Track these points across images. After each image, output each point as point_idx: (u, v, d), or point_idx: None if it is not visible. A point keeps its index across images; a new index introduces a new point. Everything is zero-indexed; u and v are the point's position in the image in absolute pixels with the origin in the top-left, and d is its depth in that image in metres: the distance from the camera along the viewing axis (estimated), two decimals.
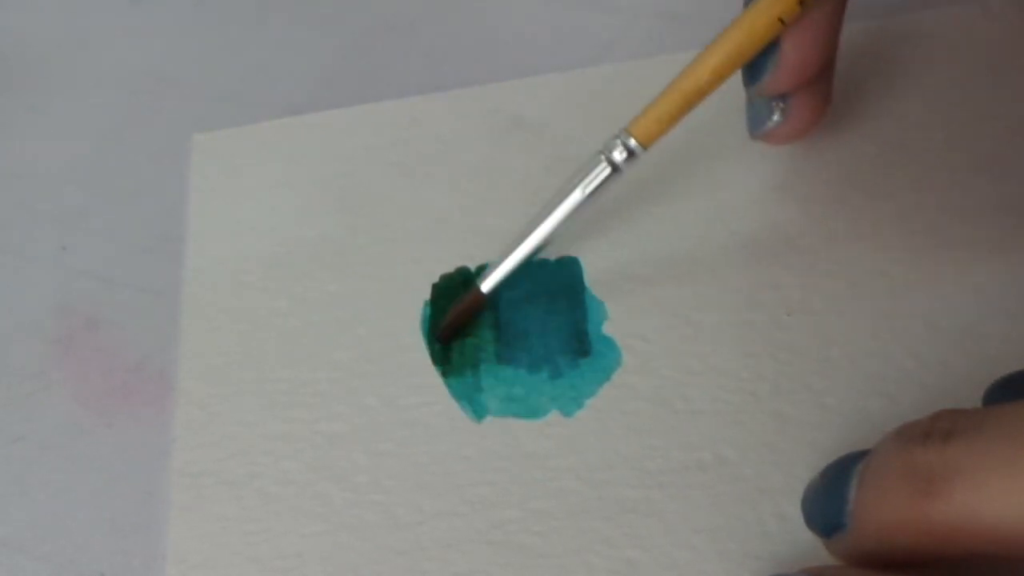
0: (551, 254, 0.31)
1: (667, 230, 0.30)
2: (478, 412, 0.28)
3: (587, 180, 0.28)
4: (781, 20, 0.26)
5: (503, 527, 0.26)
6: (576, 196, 0.28)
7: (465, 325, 0.29)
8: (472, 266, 0.31)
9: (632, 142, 0.28)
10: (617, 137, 0.28)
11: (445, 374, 0.29)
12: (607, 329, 0.29)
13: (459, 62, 0.37)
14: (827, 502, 0.23)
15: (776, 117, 0.28)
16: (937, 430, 0.21)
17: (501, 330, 0.29)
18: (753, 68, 0.28)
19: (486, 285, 0.29)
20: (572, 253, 0.31)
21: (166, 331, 0.31)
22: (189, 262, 0.32)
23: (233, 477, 0.27)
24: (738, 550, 0.25)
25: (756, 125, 0.29)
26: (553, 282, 0.30)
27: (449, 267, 0.31)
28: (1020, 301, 0.28)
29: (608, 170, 0.28)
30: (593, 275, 0.30)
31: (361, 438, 0.28)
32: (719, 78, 0.27)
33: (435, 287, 0.31)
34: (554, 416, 0.28)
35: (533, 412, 0.28)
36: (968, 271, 0.29)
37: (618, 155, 0.28)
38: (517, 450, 0.27)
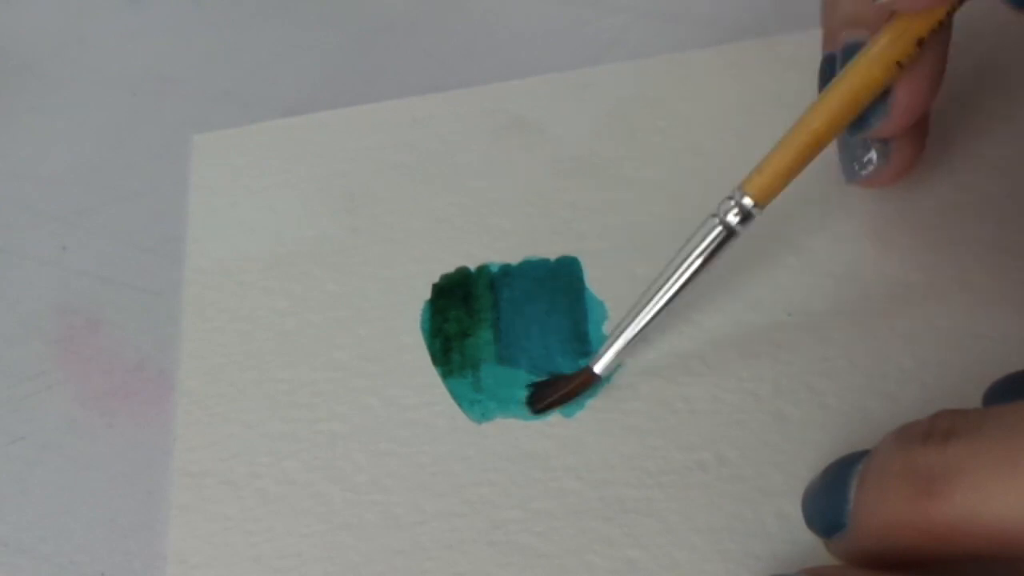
0: (552, 254, 0.31)
1: (667, 230, 0.30)
2: (478, 412, 0.28)
3: (703, 246, 0.26)
4: (899, 63, 0.25)
5: (504, 527, 0.26)
6: (693, 265, 0.26)
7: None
8: (472, 266, 0.31)
9: (747, 201, 0.26)
10: (731, 198, 0.26)
11: (445, 374, 0.29)
12: (607, 329, 0.29)
13: (459, 62, 0.37)
14: (827, 502, 0.23)
15: (876, 161, 0.27)
16: (937, 430, 0.21)
17: (501, 330, 0.29)
18: (861, 114, 0.26)
19: (599, 366, 0.27)
20: (572, 253, 0.31)
21: (166, 331, 0.31)
22: (189, 262, 0.32)
23: (234, 477, 0.27)
24: (738, 550, 0.25)
25: (853, 171, 0.28)
26: (553, 282, 0.30)
27: (449, 267, 0.31)
28: (1019, 301, 0.28)
29: (723, 233, 0.26)
30: (593, 275, 0.30)
31: (361, 438, 0.28)
32: (835, 128, 0.26)
33: (434, 287, 0.31)
34: (554, 416, 0.28)
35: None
36: (968, 271, 0.29)
37: (733, 217, 0.26)
38: (517, 450, 0.27)
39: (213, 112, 0.36)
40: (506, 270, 0.31)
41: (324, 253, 0.32)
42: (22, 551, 0.27)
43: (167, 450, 0.28)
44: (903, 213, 0.30)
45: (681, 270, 0.27)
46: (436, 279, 0.31)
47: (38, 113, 0.37)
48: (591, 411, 0.28)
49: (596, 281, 0.30)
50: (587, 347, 0.29)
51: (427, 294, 0.30)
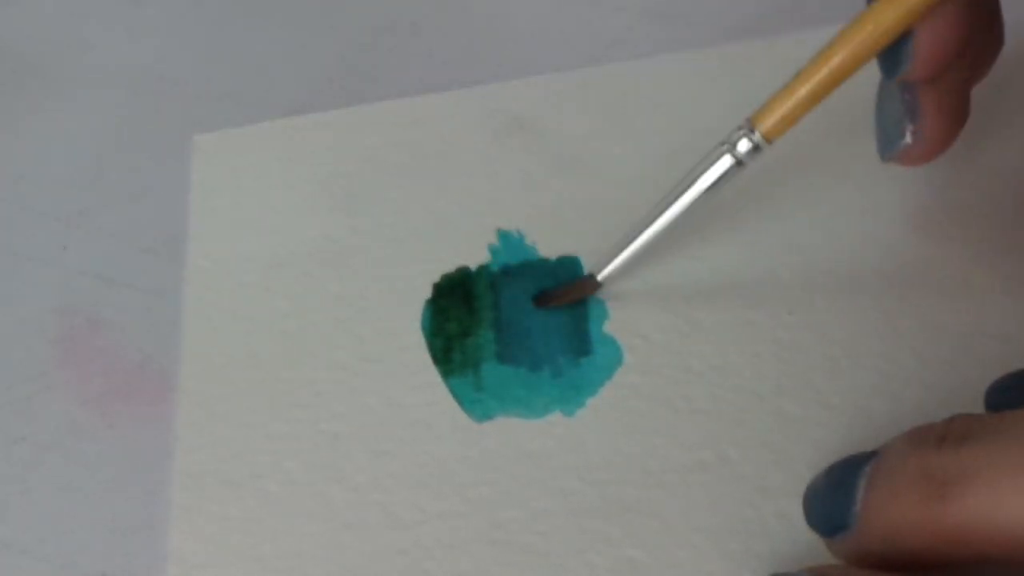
0: (552, 254, 0.31)
1: (667, 229, 0.30)
2: (479, 412, 0.28)
3: (708, 175, 0.27)
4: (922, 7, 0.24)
5: (504, 527, 0.26)
6: (696, 190, 0.27)
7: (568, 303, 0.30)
8: (472, 266, 0.31)
9: (757, 136, 0.26)
10: (741, 128, 0.27)
11: (446, 374, 0.29)
12: (608, 328, 0.29)
13: (459, 62, 0.37)
14: (833, 502, 0.23)
15: (911, 137, 0.26)
16: (952, 433, 0.21)
17: (502, 329, 0.29)
18: (889, 57, 0.25)
19: (601, 274, 0.29)
20: (572, 252, 0.31)
21: (167, 331, 0.31)
22: (190, 262, 0.32)
23: (234, 477, 0.27)
24: (739, 549, 0.25)
25: (889, 146, 0.27)
26: (553, 281, 0.30)
27: (449, 267, 0.31)
28: (1021, 300, 0.28)
29: (732, 164, 0.27)
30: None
31: (362, 438, 0.28)
32: (854, 63, 0.25)
33: (435, 287, 0.31)
34: (555, 415, 0.28)
35: (534, 411, 0.28)
36: (969, 269, 0.29)
37: (743, 148, 0.26)
38: (518, 450, 0.27)
39: (213, 112, 0.36)
40: (506, 270, 0.31)
41: (324, 253, 0.32)
42: (22, 551, 0.27)
43: (168, 450, 0.28)
44: (905, 212, 0.30)
45: (688, 195, 0.27)
46: (436, 279, 0.31)
47: (38, 113, 0.37)
48: (592, 410, 0.28)
49: None
50: (588, 346, 0.29)
51: (428, 294, 0.30)
